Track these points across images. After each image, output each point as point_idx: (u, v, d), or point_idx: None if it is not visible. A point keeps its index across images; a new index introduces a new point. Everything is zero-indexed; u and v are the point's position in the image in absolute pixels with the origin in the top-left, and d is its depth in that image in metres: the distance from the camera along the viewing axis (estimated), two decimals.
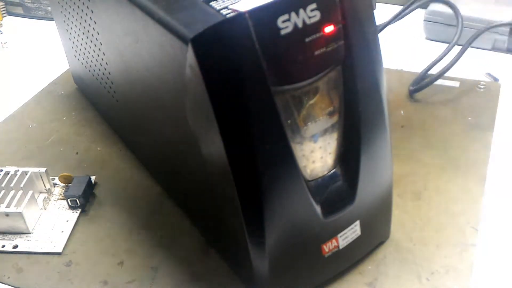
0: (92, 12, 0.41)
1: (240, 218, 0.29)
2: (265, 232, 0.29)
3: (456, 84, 0.55)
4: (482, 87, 0.54)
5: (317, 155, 0.30)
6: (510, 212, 0.40)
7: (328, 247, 0.33)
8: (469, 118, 0.50)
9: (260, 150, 0.27)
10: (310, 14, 0.26)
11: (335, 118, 0.30)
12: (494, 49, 0.61)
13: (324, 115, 0.29)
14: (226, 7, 0.27)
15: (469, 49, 0.62)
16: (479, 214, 0.40)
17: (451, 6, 0.54)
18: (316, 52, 0.27)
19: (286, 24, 0.25)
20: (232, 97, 0.26)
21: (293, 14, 0.25)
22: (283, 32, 0.25)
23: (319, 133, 0.30)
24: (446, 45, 0.62)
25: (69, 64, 0.58)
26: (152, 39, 0.30)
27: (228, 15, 0.26)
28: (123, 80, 0.42)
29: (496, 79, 0.55)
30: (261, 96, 0.26)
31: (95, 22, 0.42)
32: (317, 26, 0.26)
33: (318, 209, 0.31)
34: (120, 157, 0.49)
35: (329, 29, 0.27)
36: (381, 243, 0.38)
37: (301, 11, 0.26)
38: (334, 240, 0.33)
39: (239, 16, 0.25)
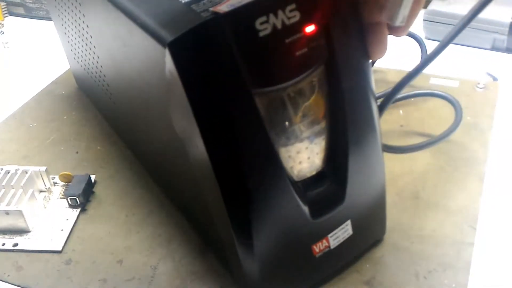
0: (84, 16, 0.41)
1: (227, 220, 0.29)
2: (252, 233, 0.29)
3: (456, 83, 0.55)
4: (481, 86, 0.54)
5: (303, 155, 0.30)
6: (508, 211, 0.40)
7: (318, 248, 0.33)
8: (468, 118, 0.50)
9: (243, 153, 0.27)
10: (289, 15, 0.25)
11: (321, 119, 0.30)
12: (493, 48, 0.61)
13: (309, 116, 0.29)
14: (207, 10, 0.26)
15: (468, 48, 0.62)
16: (477, 213, 0.40)
17: (417, 39, 0.54)
18: (297, 53, 0.26)
19: (264, 26, 0.25)
20: (212, 101, 0.26)
21: (271, 16, 0.25)
22: (261, 33, 0.25)
23: (304, 133, 0.30)
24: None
25: (70, 65, 0.59)
26: (137, 43, 0.30)
27: (207, 18, 0.26)
28: (117, 83, 0.42)
29: (495, 79, 0.55)
30: (241, 99, 0.26)
31: (87, 26, 0.42)
32: (297, 27, 0.26)
33: (306, 210, 0.30)
34: (120, 156, 0.49)
35: (310, 29, 0.26)
36: (377, 241, 0.38)
37: (280, 12, 0.25)
38: (324, 240, 0.33)
39: (216, 19, 0.24)
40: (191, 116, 0.26)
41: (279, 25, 0.25)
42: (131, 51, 0.32)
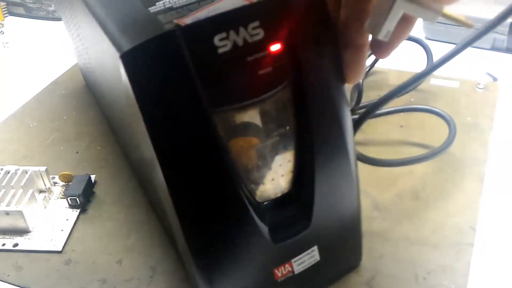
0: (76, 16, 0.41)
1: (183, 240, 0.28)
2: (208, 254, 0.28)
3: (456, 84, 0.55)
4: (481, 87, 0.54)
5: (267, 177, 0.29)
6: (508, 212, 0.40)
7: (280, 272, 0.31)
8: (468, 118, 0.50)
9: (198, 173, 0.26)
10: (252, 32, 0.24)
11: (286, 140, 0.28)
12: (493, 48, 0.61)
13: (273, 137, 0.28)
14: (171, 21, 0.25)
15: (469, 48, 0.62)
16: (477, 213, 0.40)
17: (423, 45, 0.53)
18: (259, 72, 0.25)
19: (223, 42, 0.24)
20: (166, 118, 0.25)
21: (231, 32, 0.24)
22: (220, 50, 0.24)
23: (268, 155, 0.28)
24: (446, 44, 0.63)
25: (77, 61, 0.58)
26: (107, 50, 0.29)
27: (163, 31, 0.24)
28: (103, 85, 0.41)
29: (495, 79, 0.55)
30: (196, 118, 0.25)
31: (80, 27, 0.42)
32: (261, 45, 0.24)
33: (266, 232, 0.29)
34: (120, 156, 0.49)
35: (275, 47, 0.25)
36: (351, 268, 0.36)
37: (242, 29, 0.24)
38: (287, 265, 0.31)
39: (171, 32, 0.23)
40: (145, 131, 0.25)
41: (240, 42, 0.24)
42: (106, 57, 0.31)
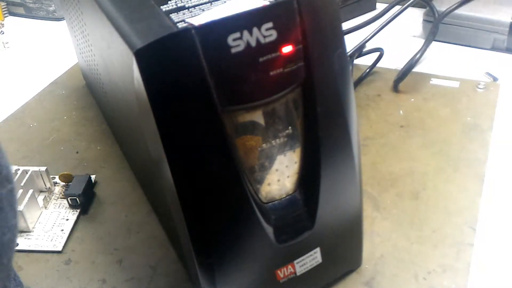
0: (82, 13, 0.41)
1: (187, 240, 0.28)
2: (212, 253, 0.28)
3: (456, 84, 0.55)
4: (481, 87, 0.54)
5: (273, 177, 0.29)
6: (507, 212, 0.40)
7: (283, 273, 0.31)
8: (468, 118, 0.50)
9: (207, 173, 0.26)
10: (265, 33, 0.25)
11: (293, 141, 0.29)
12: (493, 48, 0.61)
13: (280, 137, 0.28)
14: (183, 20, 0.26)
15: (469, 48, 0.62)
16: (477, 213, 0.40)
17: (427, 2, 0.54)
18: (272, 73, 0.25)
19: (237, 42, 0.24)
20: (177, 115, 0.25)
21: (245, 33, 0.24)
22: (233, 50, 0.24)
23: (274, 155, 0.28)
24: (446, 44, 0.63)
25: (78, 59, 0.58)
26: (116, 47, 0.29)
27: (177, 29, 0.25)
28: (107, 83, 0.41)
29: (495, 79, 0.55)
30: (206, 115, 0.25)
31: (85, 24, 0.42)
32: (273, 46, 0.25)
33: (271, 233, 0.29)
34: (120, 156, 0.49)
35: (287, 49, 0.25)
36: (351, 271, 0.36)
37: (255, 29, 0.24)
38: (290, 266, 0.31)
39: (185, 31, 0.24)
40: (154, 129, 0.25)
41: (253, 43, 0.24)
42: (114, 54, 0.31)
